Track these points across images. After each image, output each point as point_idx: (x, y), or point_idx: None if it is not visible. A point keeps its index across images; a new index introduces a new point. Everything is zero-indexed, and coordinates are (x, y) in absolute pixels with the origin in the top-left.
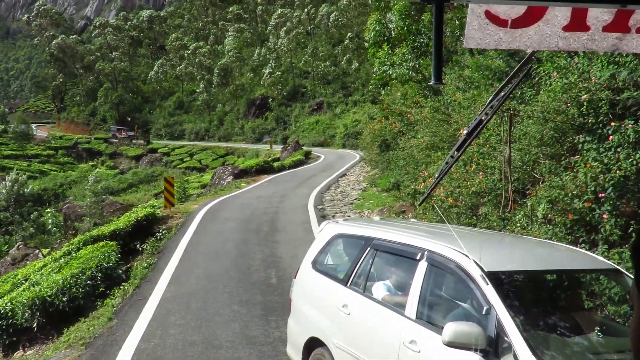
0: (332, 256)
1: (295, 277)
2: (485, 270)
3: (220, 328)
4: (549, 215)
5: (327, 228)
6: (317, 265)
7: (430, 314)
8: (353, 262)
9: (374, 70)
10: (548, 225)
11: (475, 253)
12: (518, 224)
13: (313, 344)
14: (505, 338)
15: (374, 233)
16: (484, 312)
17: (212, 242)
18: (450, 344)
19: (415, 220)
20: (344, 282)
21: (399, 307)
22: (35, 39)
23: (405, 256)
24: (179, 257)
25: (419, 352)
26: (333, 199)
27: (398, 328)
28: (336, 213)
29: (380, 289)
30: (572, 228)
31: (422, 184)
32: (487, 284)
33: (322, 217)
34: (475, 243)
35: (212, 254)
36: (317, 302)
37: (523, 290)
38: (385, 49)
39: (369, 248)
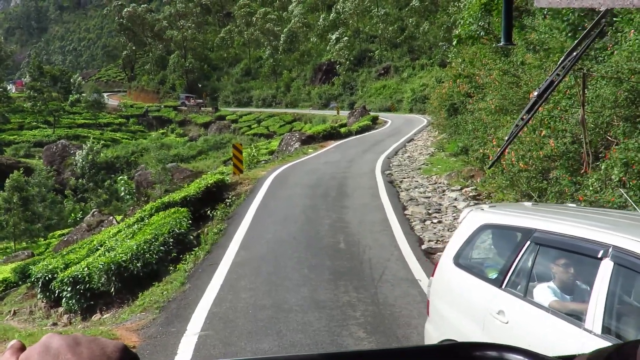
0: (478, 250)
1: (433, 275)
2: None
3: (290, 292)
4: (624, 178)
5: (471, 216)
6: (460, 260)
7: (619, 328)
8: (508, 259)
9: (459, 21)
10: (623, 189)
11: None
12: (591, 188)
13: None
14: None
15: (534, 223)
16: None
17: (281, 208)
18: None
19: (573, 205)
20: (497, 282)
21: (576, 317)
22: (105, 9)
23: (581, 253)
24: (249, 223)
25: None
26: (400, 164)
27: (578, 345)
28: (404, 178)
29: (544, 292)
30: None
31: (492, 148)
32: None
33: (390, 182)
34: None
35: (281, 220)
36: (463, 306)
37: None
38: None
39: (528, 242)
